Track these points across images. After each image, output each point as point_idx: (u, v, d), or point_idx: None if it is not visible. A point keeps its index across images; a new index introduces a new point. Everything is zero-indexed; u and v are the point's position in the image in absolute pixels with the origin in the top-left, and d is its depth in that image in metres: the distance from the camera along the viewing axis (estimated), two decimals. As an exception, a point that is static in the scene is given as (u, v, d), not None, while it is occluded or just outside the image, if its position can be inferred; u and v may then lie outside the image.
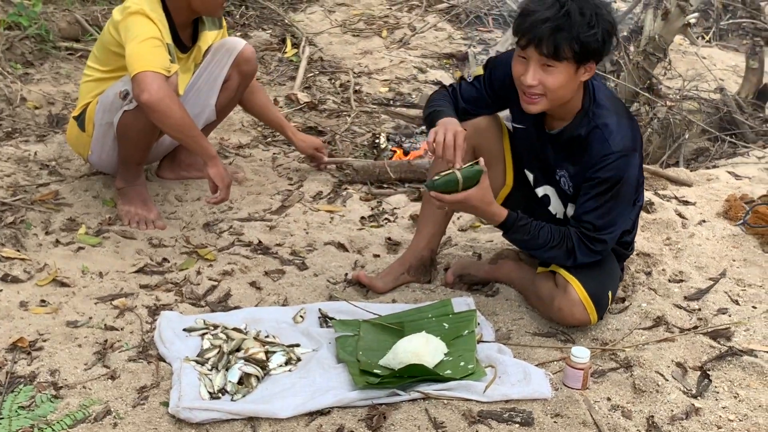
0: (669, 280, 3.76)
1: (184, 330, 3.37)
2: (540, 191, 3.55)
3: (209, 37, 4.27)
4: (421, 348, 3.14)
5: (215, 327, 3.38)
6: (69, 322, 3.40)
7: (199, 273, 3.83)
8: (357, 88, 6.12)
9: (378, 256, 4.05)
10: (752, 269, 3.86)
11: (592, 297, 3.27)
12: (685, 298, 3.63)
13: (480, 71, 3.50)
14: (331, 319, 3.46)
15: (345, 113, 5.72)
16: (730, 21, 8.79)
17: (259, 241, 4.12)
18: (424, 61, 6.79)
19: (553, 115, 3.28)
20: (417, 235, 3.76)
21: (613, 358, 3.23)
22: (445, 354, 3.20)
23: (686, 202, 4.47)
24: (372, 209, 4.53)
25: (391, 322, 3.38)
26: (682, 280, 3.76)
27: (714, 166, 5.23)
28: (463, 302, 3.54)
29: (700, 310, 3.54)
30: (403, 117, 5.45)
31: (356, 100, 5.93)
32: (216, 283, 3.76)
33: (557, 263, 3.35)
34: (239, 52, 4.29)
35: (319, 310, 3.51)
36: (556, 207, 3.51)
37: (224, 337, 3.29)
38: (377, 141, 4.91)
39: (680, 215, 4.30)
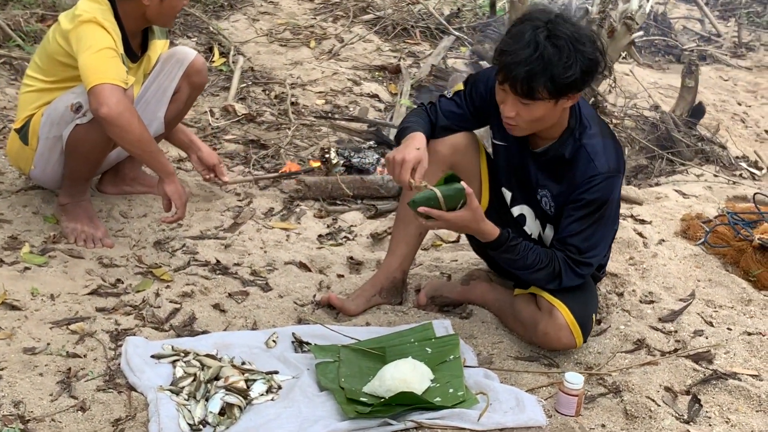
0: (640, 301, 3.77)
1: (153, 357, 3.22)
2: (516, 210, 3.52)
3: (158, 46, 4.11)
4: (409, 374, 3.07)
5: (185, 353, 3.24)
6: (26, 348, 3.21)
7: (157, 295, 3.67)
8: (293, 99, 6.00)
9: (342, 276, 3.96)
10: (719, 290, 3.90)
11: (578, 320, 3.25)
12: (660, 319, 3.64)
13: (460, 87, 3.45)
14: (307, 343, 3.35)
15: (284, 126, 5.60)
16: (644, 38, 8.97)
17: (217, 261, 3.98)
18: (357, 73, 6.72)
19: (538, 134, 3.25)
20: (389, 255, 3.68)
21: (601, 383, 3.21)
22: (431, 380, 3.13)
23: (642, 221, 4.51)
24: (328, 227, 4.43)
25: (372, 347, 3.29)
26: (653, 301, 3.78)
27: (657, 184, 5.31)
28: (440, 325, 3.48)
29: (676, 332, 3.56)
30: (346, 130, 5.36)
31: (294, 112, 5.81)
32: (177, 305, 3.61)
33: (540, 286, 3.31)
34: (190, 62, 4.14)
35: (293, 334, 3.40)
36: (531, 227, 3.49)
37: (198, 364, 3.16)
38: (327, 156, 4.81)
39: (640, 234, 4.34)
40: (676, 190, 5.02)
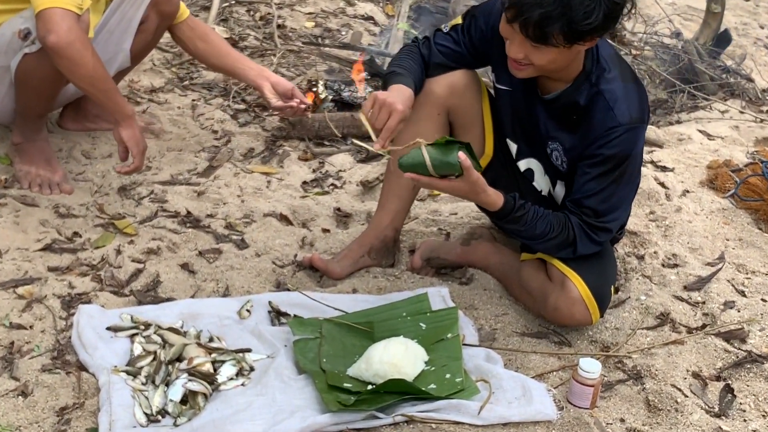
0: (663, 265, 3.40)
1: (108, 329, 2.87)
2: (522, 164, 3.14)
3: (125, -35, 3.65)
4: (400, 357, 2.71)
5: (146, 326, 2.89)
6: (-37, 318, 2.84)
7: (119, 252, 3.29)
8: (280, 21, 5.53)
9: (327, 231, 3.58)
10: (751, 252, 3.53)
11: (594, 294, 2.88)
12: (685, 287, 3.27)
13: (458, 20, 3.04)
14: (284, 314, 2.98)
15: (269, 52, 5.15)
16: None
17: (188, 212, 3.59)
18: (351, -9, 6.23)
19: (548, 77, 2.84)
20: (379, 211, 3.30)
21: (619, 366, 2.86)
22: (425, 362, 2.77)
23: (664, 168, 4.12)
24: (314, 171, 4.03)
25: (358, 322, 2.92)
26: (677, 265, 3.40)
27: (678, 122, 4.89)
28: (436, 293, 3.11)
29: (704, 303, 3.19)
30: (336, 60, 4.90)
31: (280, 36, 5.36)
32: (141, 265, 3.23)
33: (551, 255, 2.93)
34: None
35: (270, 303, 3.04)
36: (540, 183, 3.11)
37: (159, 339, 2.80)
38: (314, 89, 4.37)
39: (662, 184, 3.95)
40: (701, 131, 4.61)
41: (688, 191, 3.91)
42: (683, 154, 4.27)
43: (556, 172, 3.01)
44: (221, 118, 4.39)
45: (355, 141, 3.27)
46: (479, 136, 3.17)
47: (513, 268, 3.16)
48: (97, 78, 3.27)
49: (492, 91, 3.18)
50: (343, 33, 5.57)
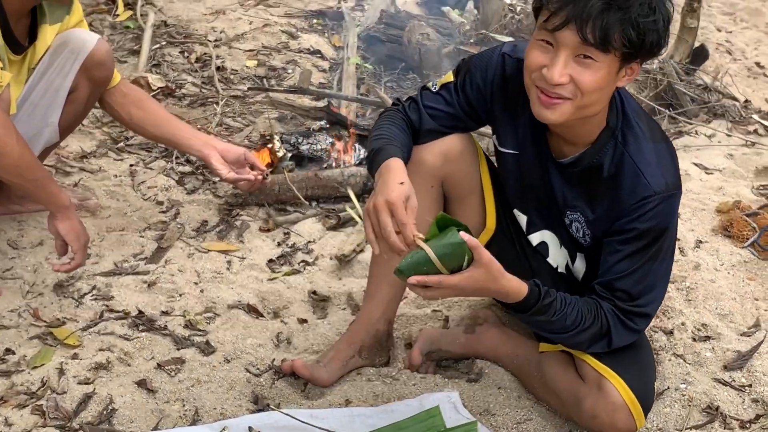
0: (694, 339, 3.00)
1: (58, 482, 2.35)
2: (535, 238, 2.72)
3: (49, 33, 3.13)
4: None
5: (104, 476, 2.37)
6: None
7: (61, 371, 2.79)
8: (219, 63, 5.03)
9: (305, 321, 3.11)
10: (787, 313, 3.13)
11: (638, 396, 2.47)
12: (725, 367, 2.87)
13: (449, 77, 2.61)
14: (270, 443, 2.50)
15: (211, 100, 4.66)
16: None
17: (139, 311, 3.08)
18: (291, 22, 5.75)
19: (565, 134, 2.43)
20: (368, 301, 2.85)
21: (674, 483, 2.42)
22: (449, 499, 2.31)
23: (669, 215, 3.69)
24: (279, 245, 3.55)
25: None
26: (709, 337, 3.01)
27: (665, 152, 4.48)
28: (446, 400, 2.66)
29: (750, 386, 2.80)
30: (290, 108, 4.42)
31: (221, 80, 4.86)
32: (89, 387, 2.74)
33: (582, 349, 2.50)
34: (89, 52, 3.17)
35: (250, 429, 2.54)
36: (557, 258, 2.69)
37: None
38: (270, 146, 3.89)
39: (672, 236, 3.52)
40: (696, 164, 4.22)
41: (701, 242, 3.52)
42: (686, 196, 3.86)
43: (576, 244, 2.59)
44: (165, 184, 3.89)
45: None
46: (478, 207, 2.75)
47: (531, 362, 2.73)
48: (25, 166, 2.79)
49: (493, 158, 2.74)
50: (290, 71, 5.09)
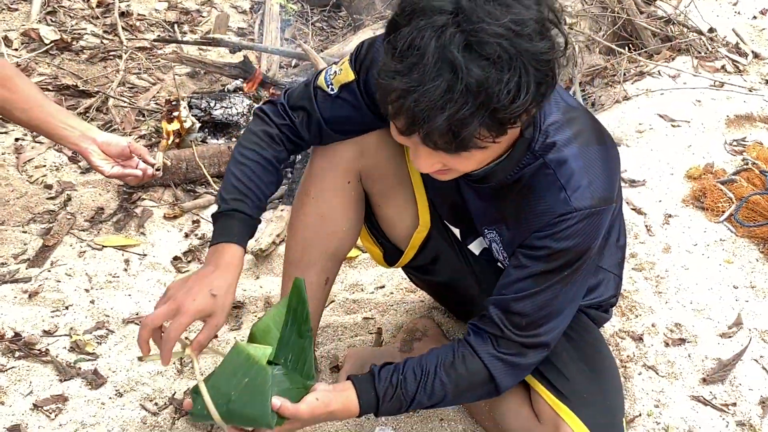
0: (666, 344, 2.60)
1: None
2: (474, 246, 2.28)
3: None
4: None
5: None
6: None
7: None
8: (124, 7, 4.49)
9: (215, 336, 2.64)
10: (772, 306, 2.75)
11: (600, 436, 2.04)
12: (704, 380, 2.48)
13: (348, 75, 2.05)
14: None
15: (113, 53, 4.13)
16: None
17: (15, 333, 2.63)
18: (209, -44, 5.18)
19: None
20: (284, 319, 2.39)
21: None
22: None
23: (633, 182, 3.29)
24: (186, 236, 3.09)
25: None
26: (684, 340, 2.62)
27: (625, 98, 4.05)
28: (380, 441, 2.25)
29: (735, 404, 2.41)
30: (201, 64, 3.89)
31: (126, 28, 4.33)
32: (-50, 438, 2.28)
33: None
34: None
35: (141, 491, 2.12)
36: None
37: None
38: (174, 113, 3.39)
39: (636, 210, 3.12)
40: (661, 115, 3.78)
41: (671, 216, 3.10)
42: (651, 156, 3.46)
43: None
44: (56, 162, 3.40)
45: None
46: (408, 204, 2.30)
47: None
48: None
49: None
50: (205, 14, 4.56)
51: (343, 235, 2.27)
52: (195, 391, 1.86)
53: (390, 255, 2.41)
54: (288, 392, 1.87)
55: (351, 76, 2.03)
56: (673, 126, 3.73)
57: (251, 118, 2.23)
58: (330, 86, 2.05)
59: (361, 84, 2.04)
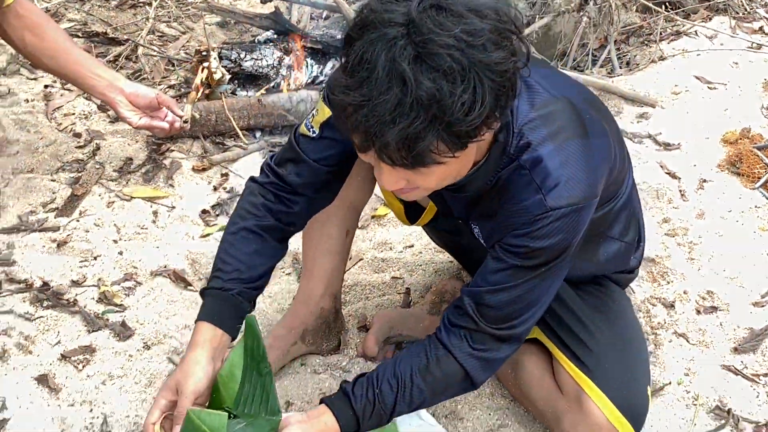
0: (698, 311, 2.57)
1: None
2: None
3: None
4: None
5: None
6: None
7: (-53, 365, 2.35)
8: (154, -46, 4.44)
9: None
10: (807, 274, 2.72)
11: (625, 411, 2.05)
12: (736, 350, 2.46)
13: (324, 113, 1.97)
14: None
15: (143, 0, 4.09)
16: None
17: (44, 283, 2.63)
18: None
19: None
20: (307, 278, 2.41)
21: None
22: None
23: (668, 145, 3.24)
24: (215, 189, 3.08)
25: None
26: (716, 308, 2.59)
27: (661, 58, 3.99)
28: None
29: (767, 375, 2.39)
30: (231, 13, 3.84)
31: (156, -25, 4.28)
32: (-21, 384, 2.30)
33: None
34: None
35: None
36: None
37: None
38: (205, 64, 3.36)
39: (671, 174, 3.08)
40: (698, 77, 3.72)
41: (705, 180, 3.07)
42: (686, 118, 3.41)
43: None
44: (85, 110, 3.39)
45: None
46: None
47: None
48: None
49: None
50: (239, -39, 4.50)
51: (359, 185, 2.23)
52: None
53: (411, 211, 2.37)
54: None
55: (327, 112, 1.95)
56: (709, 88, 3.68)
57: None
58: (311, 129, 1.99)
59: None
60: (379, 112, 1.53)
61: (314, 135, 1.99)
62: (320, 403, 1.92)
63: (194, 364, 1.88)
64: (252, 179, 2.10)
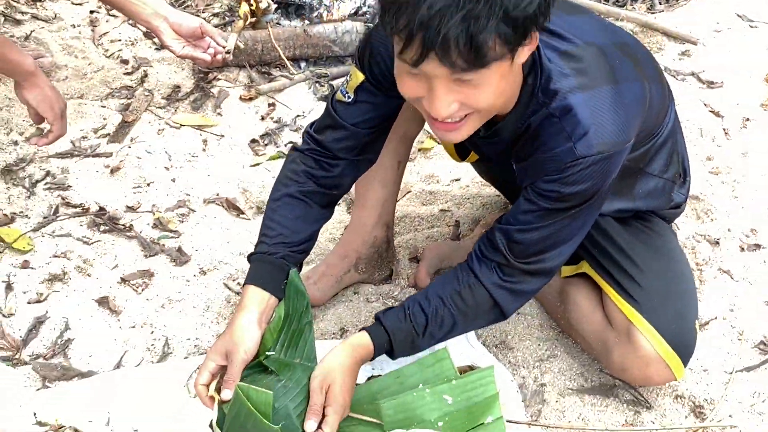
0: (742, 249, 2.63)
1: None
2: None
3: None
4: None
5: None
6: None
7: (9, 286, 2.43)
8: None
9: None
10: None
11: (675, 346, 2.10)
12: (782, 287, 2.52)
13: (357, 77, 2.03)
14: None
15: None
16: None
17: (100, 207, 2.70)
18: None
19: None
20: (359, 208, 2.46)
21: (723, 443, 2.12)
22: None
23: (711, 83, 3.27)
24: (263, 119, 3.13)
25: (357, 407, 2.09)
26: (759, 246, 2.65)
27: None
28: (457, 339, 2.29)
29: (811, 312, 2.45)
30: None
31: None
32: (41, 307, 2.39)
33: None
34: None
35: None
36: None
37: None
38: (250, -8, 3.39)
39: (714, 113, 3.12)
40: (738, 15, 3.74)
41: (748, 119, 3.10)
42: (728, 57, 3.44)
43: None
44: (131, 37, 3.43)
45: None
46: None
47: (552, 289, 2.37)
48: None
49: None
50: None
51: (410, 116, 2.27)
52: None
53: (461, 147, 2.42)
54: (302, 402, 1.93)
55: (360, 76, 2.01)
56: (751, 27, 3.69)
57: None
58: (346, 95, 2.04)
59: (371, 79, 2.02)
60: (438, 4, 1.55)
61: (349, 100, 2.04)
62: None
63: (244, 332, 1.93)
64: (294, 148, 2.14)
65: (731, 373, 2.28)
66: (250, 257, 2.04)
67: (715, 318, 2.42)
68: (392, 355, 2.03)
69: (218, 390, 1.90)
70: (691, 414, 2.19)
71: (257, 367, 1.98)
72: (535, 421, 2.16)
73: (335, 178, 2.09)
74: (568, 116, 1.83)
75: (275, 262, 2.00)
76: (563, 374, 2.27)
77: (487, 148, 2.10)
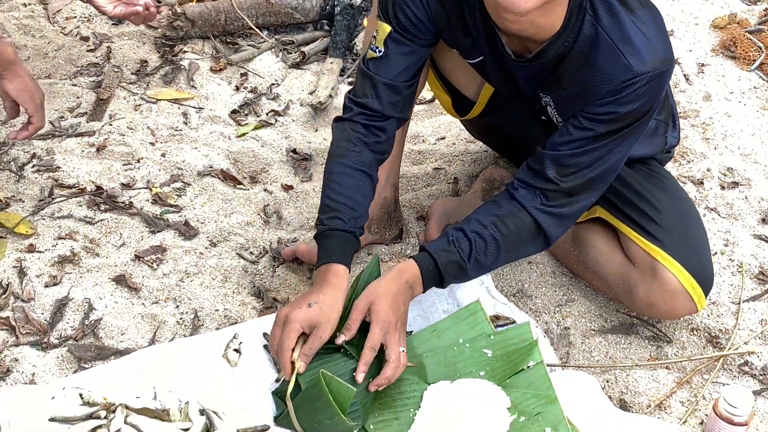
0: (722, 187, 2.81)
1: (53, 420, 2.06)
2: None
3: None
4: (478, 411, 2.05)
5: (110, 409, 2.08)
6: None
7: (21, 270, 2.42)
8: None
9: (291, 188, 2.79)
10: (812, 150, 2.98)
11: (698, 278, 2.25)
12: (764, 220, 2.72)
13: (384, 29, 2.12)
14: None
15: None
16: None
17: (97, 187, 2.70)
18: None
19: (526, 31, 2.00)
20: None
21: (745, 370, 2.28)
22: (509, 409, 2.12)
23: (662, 33, 3.43)
24: (237, 89, 3.15)
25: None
26: (737, 183, 2.83)
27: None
28: (477, 284, 2.41)
29: (797, 241, 2.64)
30: None
31: None
32: (59, 289, 2.39)
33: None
34: None
35: (264, 336, 2.26)
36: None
37: (136, 433, 2.02)
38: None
39: (672, 60, 3.28)
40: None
41: (704, 65, 3.28)
42: (673, 6, 3.61)
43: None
44: (85, 13, 3.40)
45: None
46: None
47: (565, 235, 2.48)
48: None
49: None
50: None
51: None
52: (282, 398, 1.98)
53: (459, 104, 2.52)
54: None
55: (387, 27, 2.10)
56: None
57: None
58: (377, 50, 2.12)
59: (398, 29, 2.11)
60: None
61: (381, 54, 2.11)
62: None
63: (334, 311, 2.01)
64: (337, 119, 2.20)
65: (739, 303, 2.44)
66: (322, 233, 2.09)
67: (715, 253, 2.58)
68: (442, 284, 2.11)
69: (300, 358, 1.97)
70: (709, 344, 2.35)
71: (331, 344, 2.04)
72: (566, 363, 2.28)
73: (385, 143, 2.18)
74: (619, 37, 1.95)
75: (352, 240, 2.09)
76: (583, 317, 2.40)
77: (521, 72, 2.14)
